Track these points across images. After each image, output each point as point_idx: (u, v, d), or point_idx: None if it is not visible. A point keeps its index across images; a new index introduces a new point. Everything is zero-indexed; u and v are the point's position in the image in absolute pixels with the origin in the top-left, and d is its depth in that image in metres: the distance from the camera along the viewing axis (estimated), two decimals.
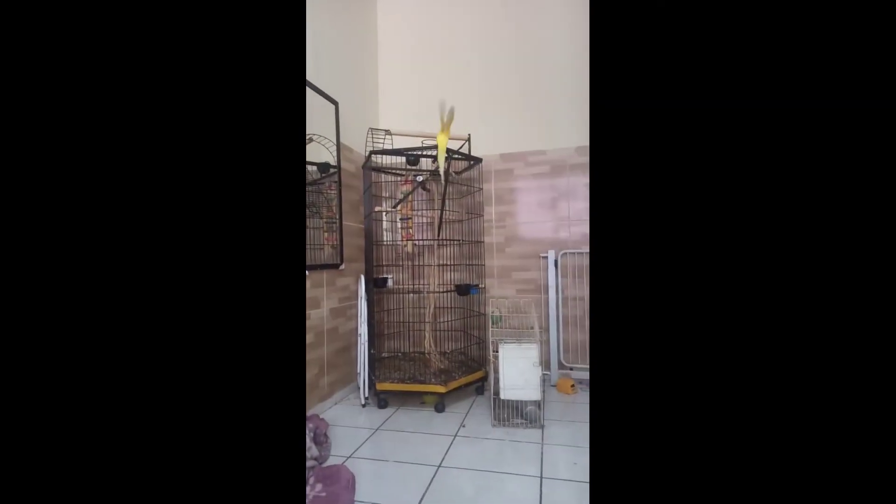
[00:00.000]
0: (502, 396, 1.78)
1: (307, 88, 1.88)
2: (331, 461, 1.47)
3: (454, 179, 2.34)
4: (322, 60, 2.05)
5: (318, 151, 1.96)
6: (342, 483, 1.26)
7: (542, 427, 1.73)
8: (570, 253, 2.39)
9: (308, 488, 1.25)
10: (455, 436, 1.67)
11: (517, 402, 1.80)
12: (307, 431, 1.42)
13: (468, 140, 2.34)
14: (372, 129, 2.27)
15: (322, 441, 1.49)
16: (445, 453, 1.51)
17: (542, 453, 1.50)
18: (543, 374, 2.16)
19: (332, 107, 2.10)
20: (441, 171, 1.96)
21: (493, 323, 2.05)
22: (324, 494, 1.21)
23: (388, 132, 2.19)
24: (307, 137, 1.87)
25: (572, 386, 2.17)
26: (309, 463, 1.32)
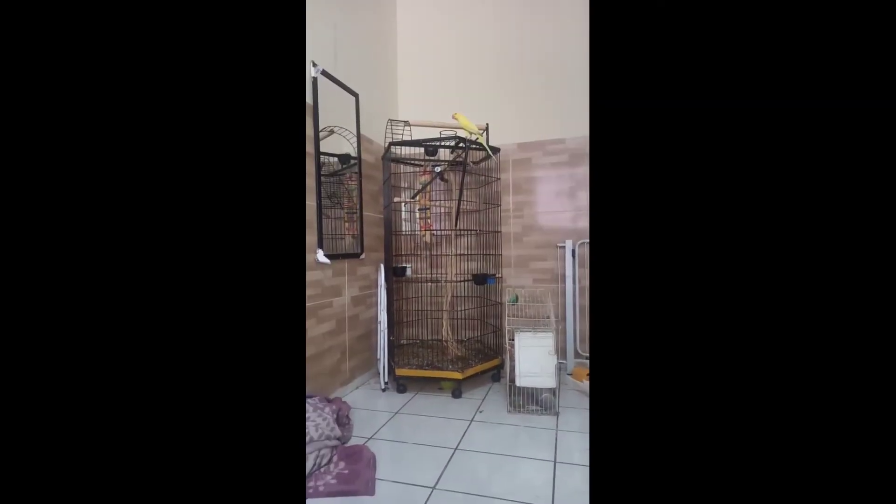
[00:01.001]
0: (518, 384, 1.82)
1: (328, 81, 1.92)
2: (352, 441, 1.54)
3: (471, 170, 2.35)
4: (342, 53, 2.08)
5: (338, 143, 2.00)
6: (364, 462, 1.33)
7: (557, 414, 1.76)
8: (587, 243, 2.38)
9: (332, 465, 1.32)
10: (471, 421, 1.72)
11: (532, 389, 1.83)
12: (331, 413, 1.49)
13: (486, 129, 2.34)
14: (391, 120, 2.30)
15: (344, 422, 1.57)
16: (462, 437, 1.57)
17: (556, 439, 1.53)
18: (559, 363, 2.19)
19: (353, 98, 2.14)
20: (477, 139, 2.04)
21: (511, 302, 2.08)
22: (347, 472, 1.28)
23: (406, 123, 2.22)
24: (328, 129, 1.91)
25: (588, 374, 2.19)
26: (332, 443, 1.40)
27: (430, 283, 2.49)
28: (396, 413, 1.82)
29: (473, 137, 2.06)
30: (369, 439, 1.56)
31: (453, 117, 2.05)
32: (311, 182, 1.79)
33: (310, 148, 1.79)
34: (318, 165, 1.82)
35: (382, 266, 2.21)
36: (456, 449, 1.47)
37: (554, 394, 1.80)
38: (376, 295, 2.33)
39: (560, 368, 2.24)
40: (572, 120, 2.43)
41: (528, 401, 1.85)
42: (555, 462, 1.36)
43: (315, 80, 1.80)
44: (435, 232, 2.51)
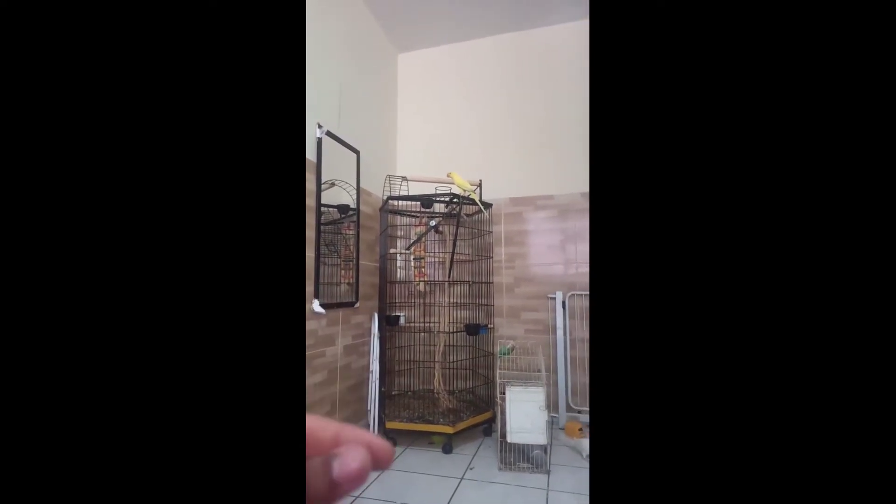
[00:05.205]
0: (509, 440, 1.80)
1: (332, 140, 2.04)
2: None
3: (465, 222, 2.45)
4: (346, 114, 2.22)
5: (338, 195, 2.10)
6: None
7: (549, 472, 1.74)
8: (577, 294, 2.44)
9: None
10: (462, 478, 1.69)
11: (524, 445, 1.82)
12: None
13: (479, 185, 2.46)
14: (389, 175, 2.42)
15: None
16: (452, 496, 1.54)
17: (546, 500, 1.51)
18: (551, 417, 2.17)
19: (354, 155, 2.26)
20: (470, 196, 2.15)
21: (503, 354, 2.09)
22: None
23: (404, 178, 2.33)
24: (329, 182, 2.01)
25: (580, 429, 2.17)
26: None
27: (423, 333, 2.51)
28: (385, 469, 1.78)
29: (466, 194, 2.17)
30: (357, 498, 1.52)
31: (448, 175, 2.16)
32: (310, 234, 1.86)
33: (311, 202, 1.87)
34: (319, 219, 1.89)
35: (376, 315, 2.24)
36: None
37: (545, 450, 1.79)
38: (369, 343, 2.34)
39: (552, 423, 2.22)
40: (562, 177, 2.56)
41: (520, 457, 1.82)
42: None
43: (319, 140, 1.92)
44: (429, 281, 2.57)
